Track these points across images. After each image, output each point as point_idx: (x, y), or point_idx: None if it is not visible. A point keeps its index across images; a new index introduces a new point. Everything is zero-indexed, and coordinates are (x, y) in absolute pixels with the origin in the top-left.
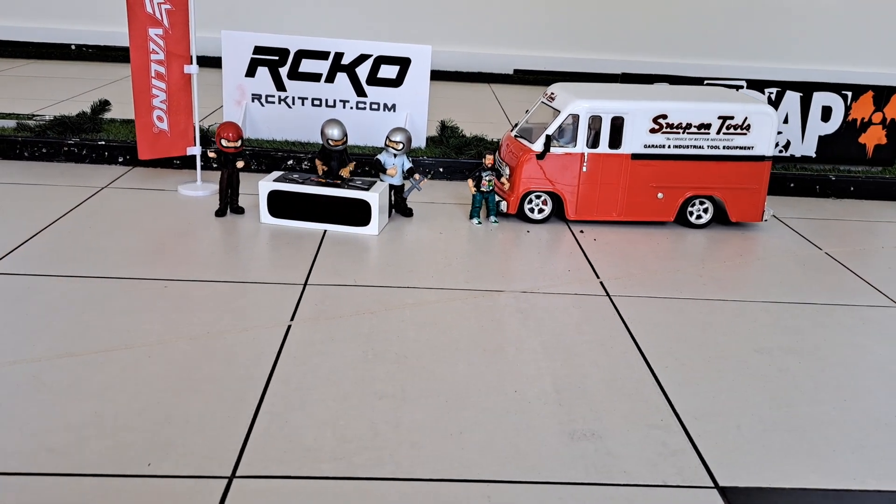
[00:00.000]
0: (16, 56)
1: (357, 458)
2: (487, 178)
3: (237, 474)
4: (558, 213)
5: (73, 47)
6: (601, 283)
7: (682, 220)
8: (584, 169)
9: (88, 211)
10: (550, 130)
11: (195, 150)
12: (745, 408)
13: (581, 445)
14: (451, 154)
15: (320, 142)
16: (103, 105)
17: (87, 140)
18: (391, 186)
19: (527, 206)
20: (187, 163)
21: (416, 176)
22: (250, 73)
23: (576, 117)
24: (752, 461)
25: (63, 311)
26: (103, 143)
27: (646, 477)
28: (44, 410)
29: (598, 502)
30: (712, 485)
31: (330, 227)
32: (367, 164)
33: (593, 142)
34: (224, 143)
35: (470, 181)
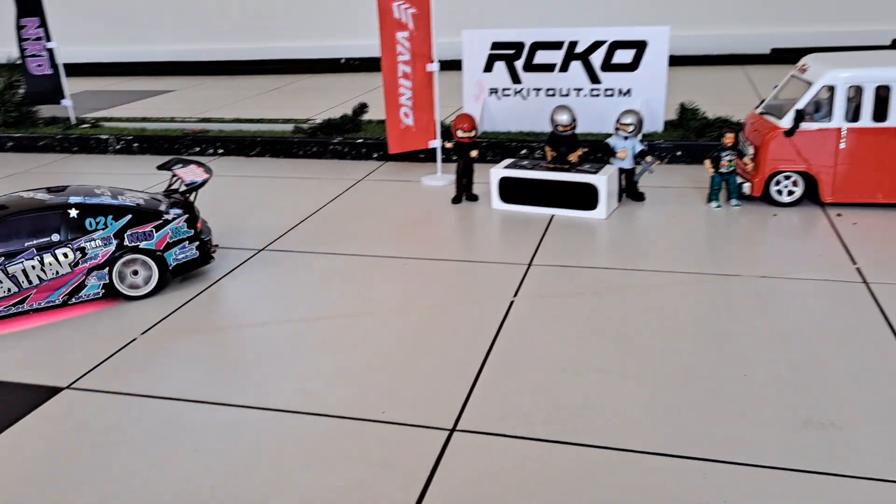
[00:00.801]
0: (292, 72)
1: (570, 424)
2: (728, 159)
3: (457, 428)
4: (810, 196)
5: (341, 61)
6: (857, 269)
7: None
8: (843, 145)
9: (347, 200)
10: (801, 105)
11: (436, 143)
12: None
13: (814, 434)
14: (691, 136)
15: (545, 143)
16: (362, 108)
17: (349, 139)
18: (621, 170)
19: (773, 188)
20: (431, 156)
21: (648, 158)
22: (488, 68)
23: (831, 89)
24: None
25: (319, 282)
26: (361, 141)
27: (893, 473)
28: (301, 361)
29: (830, 493)
30: None
31: (558, 212)
32: (599, 150)
33: (853, 115)
34: (459, 133)
35: (707, 162)
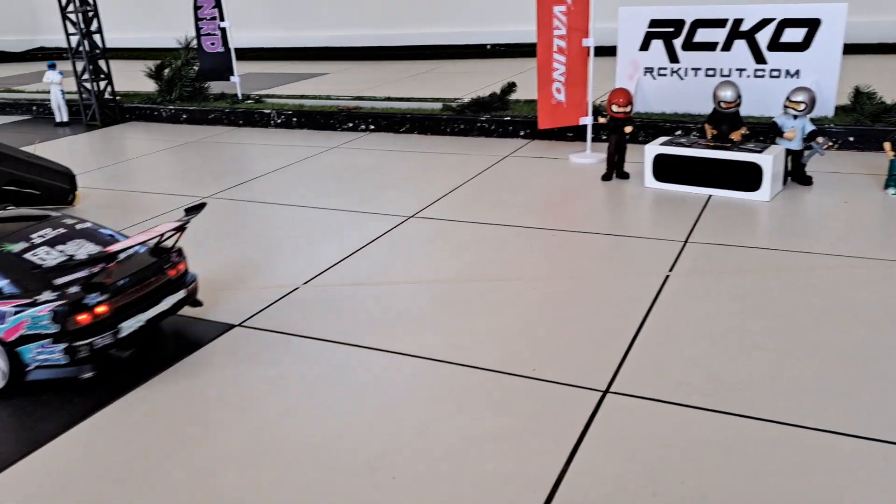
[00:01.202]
0: (440, 58)
1: (729, 397)
2: None
3: (611, 390)
4: None
5: (487, 46)
6: None
7: None
8: None
9: (493, 174)
10: None
11: (587, 120)
12: None
13: None
14: (865, 121)
15: (705, 121)
16: (510, 87)
17: (496, 116)
18: (788, 151)
19: None
20: (579, 135)
21: (819, 139)
22: (644, 46)
23: None
24: None
25: (466, 248)
26: (508, 118)
27: None
28: (451, 318)
29: None
30: None
31: (716, 192)
32: (762, 133)
33: None
34: (614, 108)
35: (887, 144)
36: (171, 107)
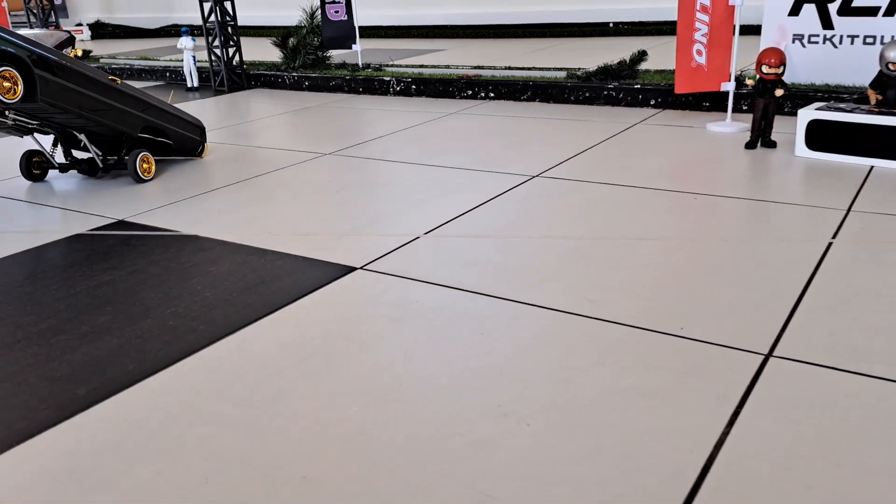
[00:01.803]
0: (561, 36)
1: None
2: None
3: (774, 354)
4: None
5: (610, 24)
6: None
7: None
8: None
9: (622, 140)
10: None
11: (729, 86)
12: None
13: None
14: None
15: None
16: (641, 55)
17: (625, 84)
18: None
19: None
20: (716, 105)
21: None
22: (794, 11)
23: None
24: None
25: (598, 207)
26: (638, 86)
27: None
28: (584, 273)
29: None
30: None
31: (880, 163)
32: None
33: None
34: (764, 69)
35: None
36: (295, 74)
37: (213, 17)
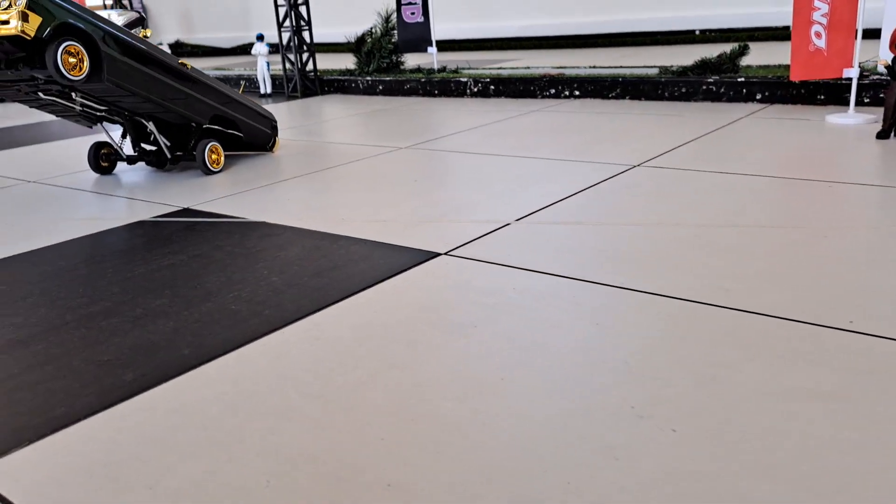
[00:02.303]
0: (644, 45)
1: None
2: None
3: None
4: None
5: (696, 32)
6: None
7: None
8: None
9: (730, 132)
10: None
11: (852, 73)
12: None
13: None
14: None
15: None
16: (742, 49)
17: (727, 78)
18: None
19: None
20: (833, 98)
21: None
22: None
23: None
24: None
25: (715, 195)
26: (742, 79)
27: None
28: (711, 261)
29: None
30: None
31: None
32: None
33: None
34: None
35: None
36: (368, 78)
37: (287, 23)
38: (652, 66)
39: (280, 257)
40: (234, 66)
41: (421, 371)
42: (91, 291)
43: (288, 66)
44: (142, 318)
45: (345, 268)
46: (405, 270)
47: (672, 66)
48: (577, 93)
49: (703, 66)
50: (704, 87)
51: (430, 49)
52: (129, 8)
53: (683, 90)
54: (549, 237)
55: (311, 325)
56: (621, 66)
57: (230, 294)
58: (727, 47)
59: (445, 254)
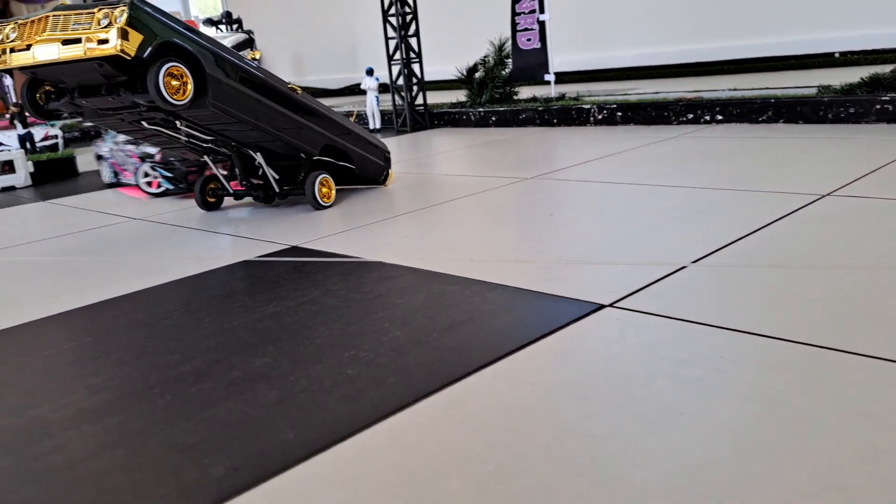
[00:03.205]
0: (777, 70)
1: None
2: None
3: None
4: None
5: (836, 55)
6: None
7: None
8: None
9: None
10: None
11: None
12: None
13: None
14: None
15: None
16: None
17: None
18: None
19: None
20: None
21: None
22: None
23: None
24: None
25: None
26: None
27: None
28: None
29: None
30: None
31: None
32: None
33: None
34: None
35: None
36: (480, 109)
37: (398, 55)
38: (804, 87)
39: (402, 305)
40: (343, 104)
41: (616, 482)
42: (183, 346)
43: (397, 99)
44: (239, 384)
45: (482, 321)
46: (563, 327)
47: (832, 85)
48: (719, 117)
49: (874, 83)
50: (878, 107)
51: (547, 76)
52: (236, 30)
53: (851, 110)
54: (745, 284)
55: (449, 402)
56: (767, 88)
57: (345, 353)
58: (876, 70)
59: (611, 305)
